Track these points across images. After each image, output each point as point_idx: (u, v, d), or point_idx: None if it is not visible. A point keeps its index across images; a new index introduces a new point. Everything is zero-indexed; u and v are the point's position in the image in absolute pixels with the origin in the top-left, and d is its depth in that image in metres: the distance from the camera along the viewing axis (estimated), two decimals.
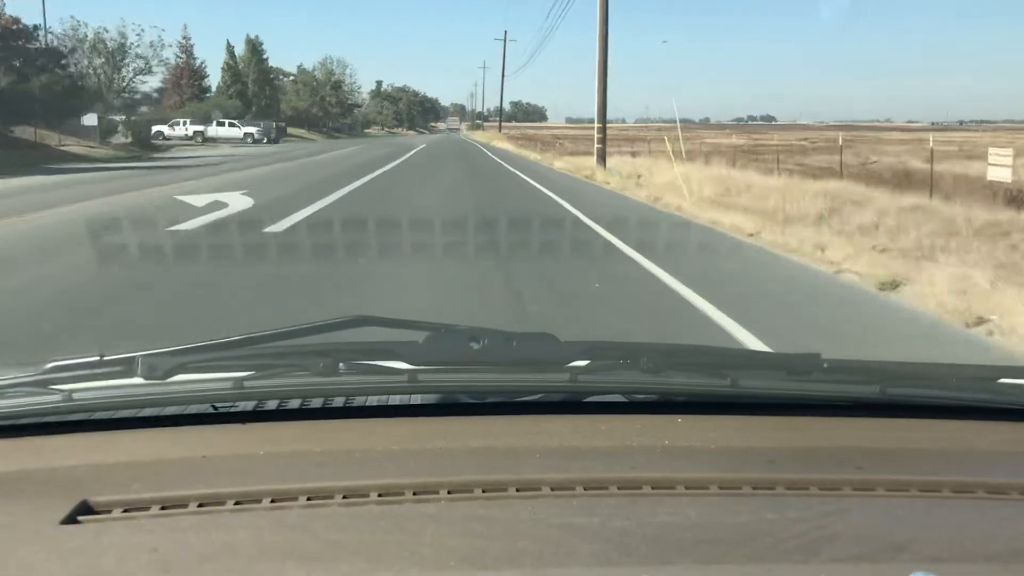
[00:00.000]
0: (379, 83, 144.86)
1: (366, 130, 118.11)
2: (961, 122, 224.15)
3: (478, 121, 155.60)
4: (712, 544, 0.85)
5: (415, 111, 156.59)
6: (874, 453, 1.15)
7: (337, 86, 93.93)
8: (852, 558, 0.84)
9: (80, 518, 0.89)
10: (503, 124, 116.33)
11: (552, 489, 0.98)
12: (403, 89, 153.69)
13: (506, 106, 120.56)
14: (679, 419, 1.22)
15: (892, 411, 1.26)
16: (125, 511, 0.92)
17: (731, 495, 0.99)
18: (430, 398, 1.26)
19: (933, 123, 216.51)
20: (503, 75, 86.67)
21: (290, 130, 73.09)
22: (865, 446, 1.17)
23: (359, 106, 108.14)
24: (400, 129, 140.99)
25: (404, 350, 1.16)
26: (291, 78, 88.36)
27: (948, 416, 1.27)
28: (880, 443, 1.19)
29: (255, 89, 74.95)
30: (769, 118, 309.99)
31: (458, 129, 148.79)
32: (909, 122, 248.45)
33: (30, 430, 1.13)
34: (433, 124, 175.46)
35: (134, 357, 1.10)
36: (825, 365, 1.22)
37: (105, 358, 1.12)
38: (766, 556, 0.83)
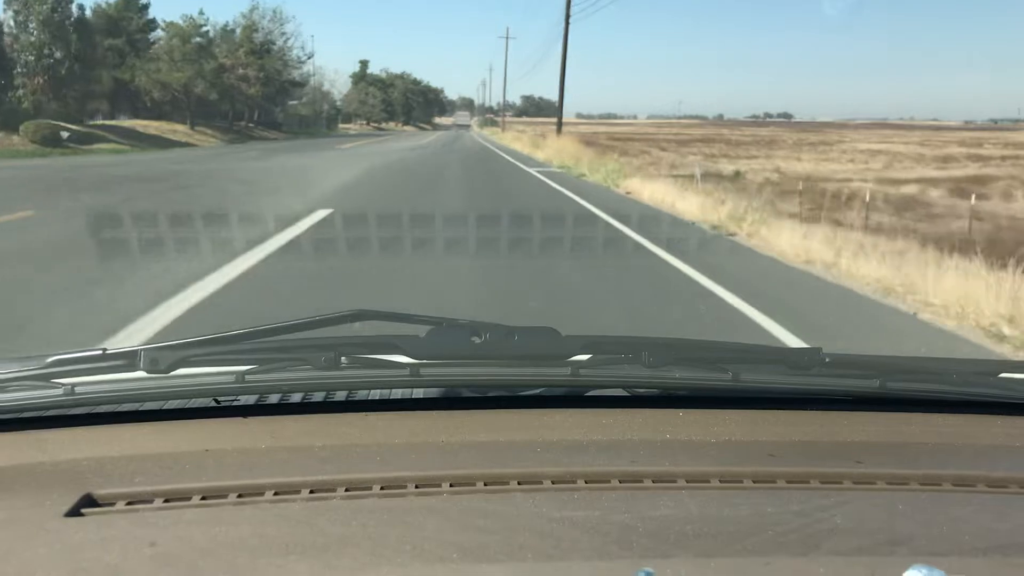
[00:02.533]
0: (364, 63, 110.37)
1: (345, 125, 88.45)
2: (995, 121, 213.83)
3: (489, 116, 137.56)
4: (713, 537, 0.86)
5: (414, 102, 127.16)
6: (874, 447, 1.15)
7: (264, 51, 52.75)
8: (852, 551, 0.84)
9: (83, 511, 0.90)
10: (514, 120, 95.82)
11: (553, 482, 0.98)
12: (400, 76, 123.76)
13: (515, 98, 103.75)
14: (680, 413, 1.23)
15: (892, 405, 1.27)
16: (128, 504, 0.93)
17: (732, 488, 0.99)
18: (432, 392, 1.27)
19: (967, 122, 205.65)
20: (567, 21, 36.58)
21: (138, 127, 39.84)
22: (865, 440, 1.17)
23: (302, 85, 63.69)
24: (393, 124, 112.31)
25: (406, 344, 1.16)
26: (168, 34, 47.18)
27: (948, 410, 1.27)
28: (880, 437, 1.19)
29: (41, 41, 35.79)
30: (787, 115, 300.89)
31: (468, 125, 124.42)
32: (934, 120, 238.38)
33: (33, 423, 1.13)
34: (437, 119, 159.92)
35: (136, 351, 1.11)
36: (826, 360, 1.22)
37: (107, 352, 1.12)
38: (767, 549, 0.84)
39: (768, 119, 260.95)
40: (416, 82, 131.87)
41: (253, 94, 51.15)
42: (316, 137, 56.35)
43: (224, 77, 48.28)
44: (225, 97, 49.65)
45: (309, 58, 64.59)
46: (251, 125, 55.30)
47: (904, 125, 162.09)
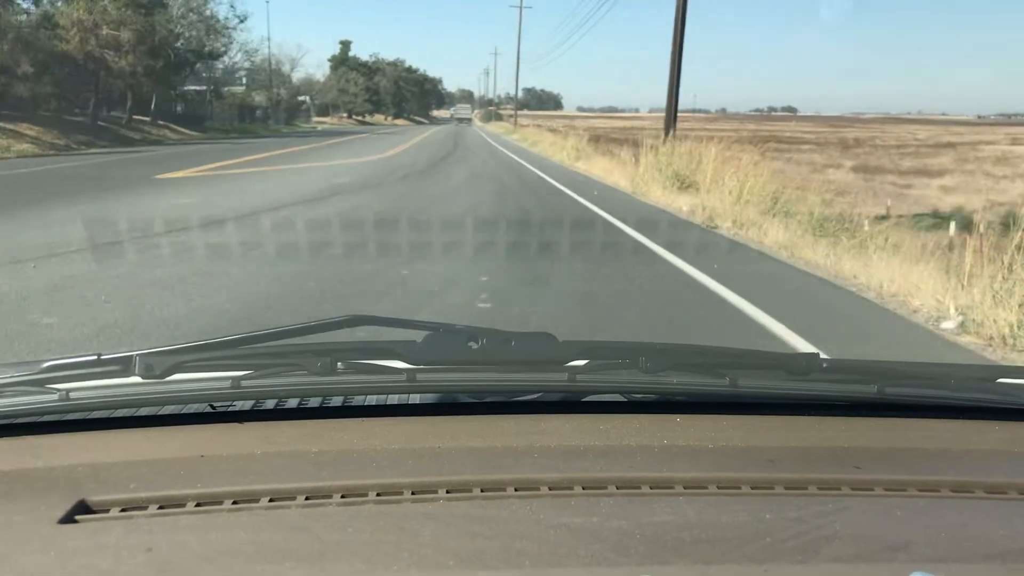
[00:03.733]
0: (345, 44, 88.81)
1: (321, 118, 71.38)
2: (1008, 116, 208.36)
3: (491, 109, 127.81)
4: (710, 544, 0.86)
5: (408, 92, 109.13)
6: (873, 453, 1.15)
7: (155, 4, 34.59)
8: (851, 558, 0.84)
9: (78, 518, 0.90)
10: (518, 113, 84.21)
11: (550, 489, 0.98)
12: (392, 63, 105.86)
13: (514, 90, 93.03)
14: (678, 419, 1.23)
15: (890, 411, 1.27)
16: (123, 511, 0.92)
17: (730, 495, 0.99)
18: (429, 397, 1.26)
19: (979, 116, 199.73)
20: None
21: None
22: (864, 446, 1.17)
23: (212, 57, 43.10)
24: (381, 117, 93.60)
25: (403, 349, 1.15)
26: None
27: (946, 416, 1.27)
28: (879, 443, 1.19)
29: None
30: (791, 109, 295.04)
31: (469, 119, 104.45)
32: (943, 114, 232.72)
33: (27, 429, 1.12)
34: (435, 112, 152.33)
35: (131, 356, 1.10)
36: (824, 365, 1.23)
37: (102, 357, 1.11)
38: (764, 556, 0.83)
39: (773, 113, 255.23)
40: (410, 70, 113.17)
41: (125, 67, 31.24)
42: (247, 137, 37.58)
43: (51, 36, 28.81)
44: (52, 70, 28.82)
45: (241, 22, 43.89)
46: (137, 118, 35.27)
47: (916, 120, 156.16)
